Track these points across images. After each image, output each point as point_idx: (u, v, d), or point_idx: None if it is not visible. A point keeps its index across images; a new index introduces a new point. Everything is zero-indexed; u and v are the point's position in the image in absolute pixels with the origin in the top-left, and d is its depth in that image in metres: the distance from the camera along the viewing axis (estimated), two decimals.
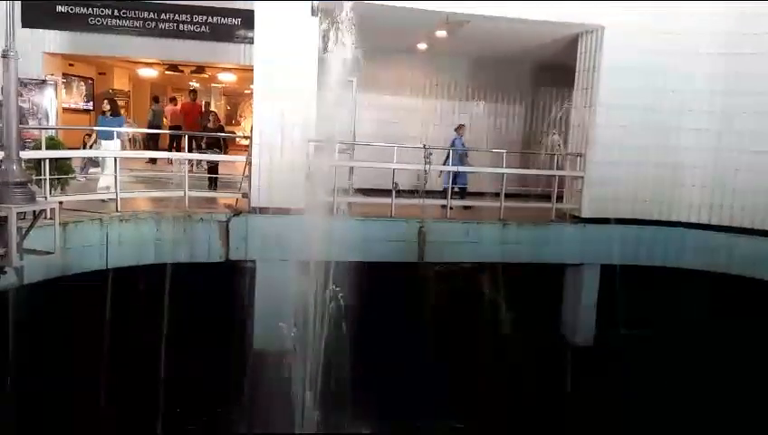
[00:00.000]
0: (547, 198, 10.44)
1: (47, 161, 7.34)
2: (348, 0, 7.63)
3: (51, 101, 13.93)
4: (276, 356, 6.79)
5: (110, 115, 10.28)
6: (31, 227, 6.31)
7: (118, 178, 8.16)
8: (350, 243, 8.37)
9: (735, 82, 9.74)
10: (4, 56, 6.05)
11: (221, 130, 11.69)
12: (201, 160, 11.51)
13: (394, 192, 9.42)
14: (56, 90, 14.54)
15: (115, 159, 8.21)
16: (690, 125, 10.03)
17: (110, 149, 9.05)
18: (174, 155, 9.81)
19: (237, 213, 8.77)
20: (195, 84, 20.71)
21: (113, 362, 7.24)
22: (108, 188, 8.58)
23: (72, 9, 14.07)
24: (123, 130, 9.79)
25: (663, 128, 10.01)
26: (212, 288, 8.07)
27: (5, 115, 6.26)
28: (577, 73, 10.64)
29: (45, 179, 7.33)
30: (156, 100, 17.16)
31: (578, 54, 10.58)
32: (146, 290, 7.76)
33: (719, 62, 9.79)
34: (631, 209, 10.19)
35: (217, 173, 10.63)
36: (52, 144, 7.93)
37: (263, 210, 8.82)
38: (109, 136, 9.40)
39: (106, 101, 10.68)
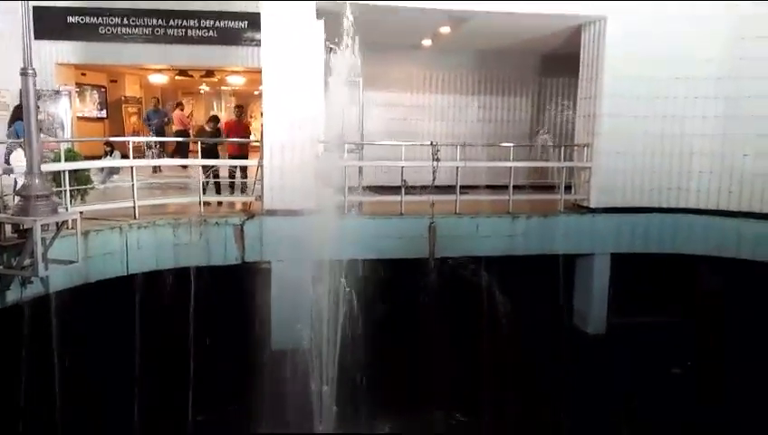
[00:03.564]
0: (551, 189, 10.54)
1: (67, 173, 7.58)
2: (351, 0, 7.78)
3: (66, 111, 14.23)
4: (294, 354, 6.99)
5: None
6: (54, 237, 6.55)
7: (135, 186, 8.38)
8: (361, 241, 8.56)
9: (742, 67, 9.73)
10: (23, 74, 6.29)
11: (218, 134, 11.61)
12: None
13: (403, 189, 9.57)
14: (70, 99, 14.84)
15: (132, 168, 8.43)
16: (697, 112, 10.05)
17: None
18: (190, 161, 9.97)
19: (251, 216, 8.98)
20: (205, 88, 20.95)
21: (142, 360, 7.51)
22: None
23: (82, 20, 14.35)
24: (134, 139, 9.99)
25: (669, 115, 10.05)
26: (229, 289, 8.31)
27: (27, 130, 6.52)
28: (581, 64, 10.69)
29: (66, 191, 7.57)
30: (156, 104, 16.76)
31: (581, 45, 10.64)
32: (166, 293, 8.01)
33: (725, 47, 9.79)
34: (639, 198, 10.25)
35: (234, 178, 10.60)
36: (71, 156, 8.18)
37: (276, 212, 9.00)
38: None
39: None
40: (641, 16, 9.75)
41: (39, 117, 12.13)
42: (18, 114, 10.75)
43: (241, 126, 11.64)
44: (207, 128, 11.72)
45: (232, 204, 10.01)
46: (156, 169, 13.86)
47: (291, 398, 6.94)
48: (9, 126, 9.80)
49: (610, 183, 10.18)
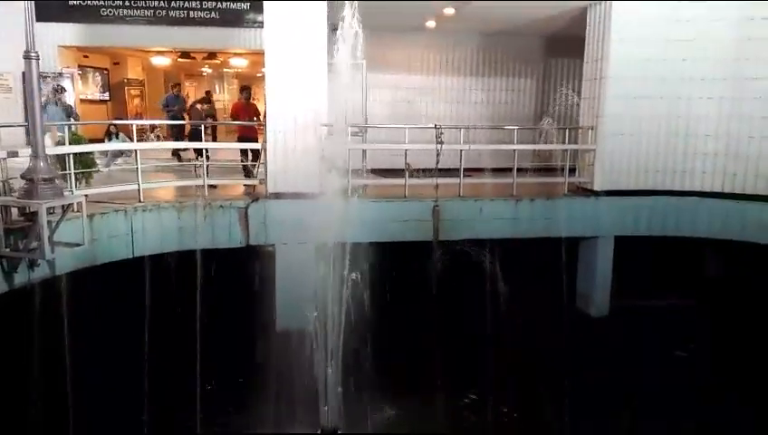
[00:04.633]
0: (555, 172, 10.51)
1: (71, 156, 7.60)
2: None
3: (68, 94, 14.20)
4: (298, 335, 7.06)
5: None
6: (60, 220, 6.60)
7: (140, 169, 8.40)
8: (365, 224, 8.56)
9: (748, 49, 9.64)
10: (26, 57, 6.27)
11: (213, 113, 11.20)
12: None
13: (407, 173, 9.56)
14: (73, 82, 14.82)
15: (136, 151, 8.44)
16: (702, 93, 9.98)
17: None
18: (194, 144, 9.91)
19: (256, 199, 8.99)
20: (207, 70, 20.84)
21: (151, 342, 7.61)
22: None
23: (84, 2, 14.27)
24: (142, 122, 9.95)
25: (674, 97, 9.99)
26: (234, 272, 8.36)
27: (30, 113, 6.53)
28: (586, 45, 10.61)
29: (71, 174, 7.59)
30: (178, 89, 16.66)
31: (586, 26, 10.55)
32: (172, 276, 8.06)
33: (731, 28, 9.68)
34: (644, 180, 10.24)
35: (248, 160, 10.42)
36: (75, 139, 8.19)
37: (280, 195, 9.02)
38: None
39: None
40: None
41: (65, 100, 12.10)
42: (52, 97, 10.85)
43: (250, 108, 11.25)
44: (199, 107, 11.32)
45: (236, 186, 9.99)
46: (176, 155, 13.35)
47: (296, 377, 7.02)
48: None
49: (615, 166, 10.16)
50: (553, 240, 9.78)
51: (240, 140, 10.68)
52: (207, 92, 12.25)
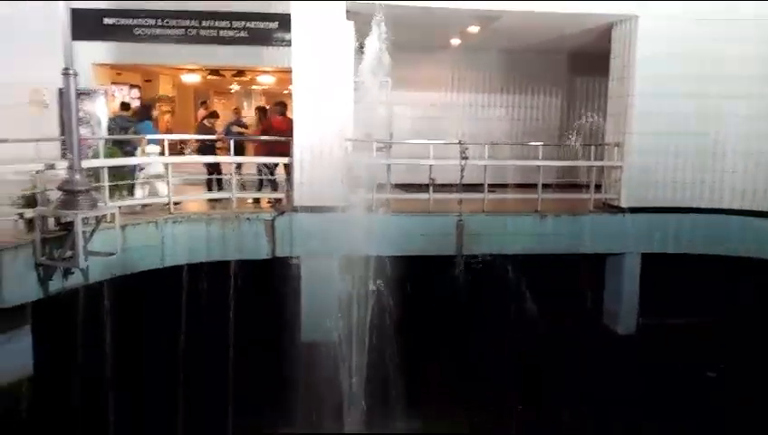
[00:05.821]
0: (580, 188, 10.47)
1: (106, 169, 7.84)
2: (381, 0, 7.88)
3: (102, 110, 14.63)
4: (324, 346, 7.13)
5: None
6: (94, 230, 6.82)
7: (170, 182, 8.61)
8: (389, 238, 8.63)
9: None
10: (65, 74, 6.53)
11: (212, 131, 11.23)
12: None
13: (431, 187, 9.62)
14: (106, 98, 15.25)
15: (166, 165, 8.66)
16: (730, 110, 9.91)
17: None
18: (224, 159, 10.08)
19: (282, 212, 9.14)
20: (233, 87, 21.22)
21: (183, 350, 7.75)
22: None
23: (118, 21, 14.71)
24: (170, 137, 10.13)
25: (702, 114, 9.92)
26: (260, 283, 8.48)
27: (68, 129, 6.78)
28: (612, 63, 10.62)
29: (105, 186, 7.82)
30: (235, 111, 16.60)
31: (612, 43, 10.56)
32: (199, 286, 8.22)
33: (760, 46, 9.63)
34: (672, 197, 10.14)
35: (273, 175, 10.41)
36: (110, 153, 8.45)
37: (305, 208, 9.15)
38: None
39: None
40: (673, 15, 9.65)
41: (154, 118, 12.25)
42: (144, 114, 11.18)
43: (285, 123, 10.72)
44: (207, 123, 11.41)
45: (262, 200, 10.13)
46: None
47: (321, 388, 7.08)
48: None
49: (642, 182, 10.09)
50: (579, 256, 9.73)
51: (272, 154, 10.59)
52: (236, 110, 12.34)
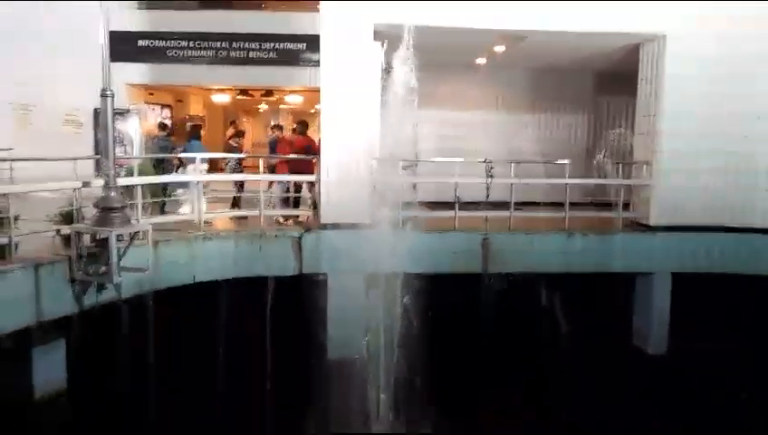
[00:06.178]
0: (608, 206, 10.38)
1: (140, 187, 8.05)
2: (409, 23, 8.01)
3: (135, 129, 15.02)
4: (351, 363, 7.16)
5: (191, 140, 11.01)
6: (128, 247, 6.97)
7: (201, 200, 8.80)
8: (415, 255, 8.64)
9: None
10: (103, 96, 6.76)
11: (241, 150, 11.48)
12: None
13: (457, 205, 9.64)
14: (140, 118, 15.66)
15: (198, 183, 8.86)
16: (761, 130, 9.78)
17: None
18: (255, 177, 10.25)
19: (309, 229, 9.25)
20: (261, 107, 21.60)
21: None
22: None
23: (152, 43, 15.18)
24: (205, 155, 10.34)
25: (732, 133, 9.81)
26: (288, 300, 8.56)
27: (103, 147, 6.99)
28: (639, 81, 10.58)
29: (138, 204, 8.03)
30: (233, 123, 16.93)
31: (640, 63, 10.52)
32: (230, 302, 8.34)
33: None
34: (702, 216, 9.98)
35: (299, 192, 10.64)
36: (143, 171, 8.68)
37: (332, 226, 9.24)
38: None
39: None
40: (701, 35, 9.60)
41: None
42: (192, 132, 11.58)
43: (306, 141, 11.07)
44: (233, 144, 11.75)
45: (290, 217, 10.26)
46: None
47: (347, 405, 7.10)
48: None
49: (671, 201, 9.98)
50: (608, 275, 9.62)
51: (293, 172, 10.78)
52: (233, 123, 12.56)
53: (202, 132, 12.57)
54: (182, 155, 10.46)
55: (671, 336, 9.85)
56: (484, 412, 7.77)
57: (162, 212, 9.38)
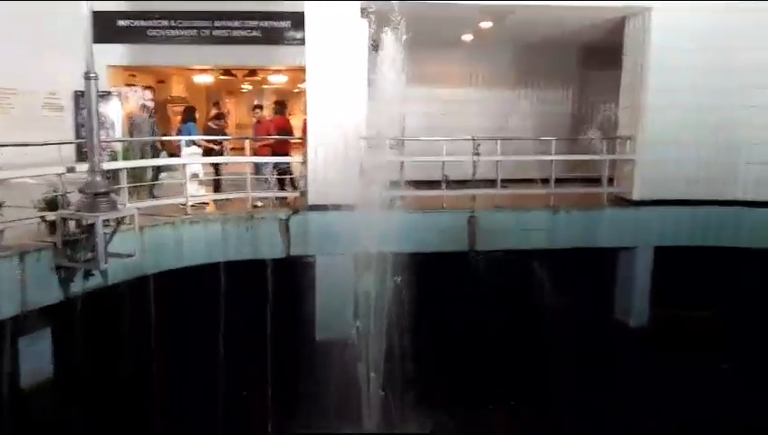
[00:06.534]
0: (593, 182, 10.46)
1: (125, 171, 7.97)
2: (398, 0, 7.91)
3: (116, 112, 14.79)
4: (340, 344, 7.23)
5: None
6: (114, 232, 6.92)
7: (187, 183, 8.75)
8: (403, 235, 8.67)
9: None
10: (86, 78, 6.65)
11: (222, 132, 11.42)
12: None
13: (444, 184, 9.67)
14: (121, 100, 15.41)
15: (183, 166, 8.80)
16: (745, 102, 9.85)
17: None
18: (242, 159, 10.19)
19: (296, 211, 9.24)
20: (244, 87, 21.32)
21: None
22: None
23: (132, 23, 14.88)
24: (195, 138, 10.28)
25: (715, 107, 9.88)
26: (276, 282, 8.59)
27: (88, 131, 6.89)
28: (624, 55, 10.60)
29: (124, 188, 7.96)
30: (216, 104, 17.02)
31: (625, 37, 10.52)
32: (218, 285, 8.35)
33: None
34: (684, 190, 10.10)
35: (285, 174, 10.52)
36: (128, 155, 8.60)
37: (319, 207, 9.23)
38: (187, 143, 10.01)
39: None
40: (687, 7, 9.60)
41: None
42: (187, 116, 11.42)
43: (284, 122, 11.26)
44: (213, 126, 11.58)
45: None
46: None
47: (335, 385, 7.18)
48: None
49: (654, 175, 10.08)
50: (592, 249, 9.73)
51: (273, 154, 10.69)
52: (216, 104, 12.41)
53: (196, 115, 12.40)
54: (177, 138, 10.34)
55: (651, 308, 10.04)
56: (472, 389, 7.88)
57: (151, 196, 9.30)
